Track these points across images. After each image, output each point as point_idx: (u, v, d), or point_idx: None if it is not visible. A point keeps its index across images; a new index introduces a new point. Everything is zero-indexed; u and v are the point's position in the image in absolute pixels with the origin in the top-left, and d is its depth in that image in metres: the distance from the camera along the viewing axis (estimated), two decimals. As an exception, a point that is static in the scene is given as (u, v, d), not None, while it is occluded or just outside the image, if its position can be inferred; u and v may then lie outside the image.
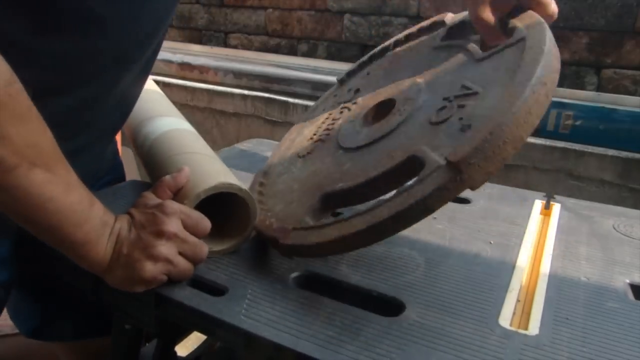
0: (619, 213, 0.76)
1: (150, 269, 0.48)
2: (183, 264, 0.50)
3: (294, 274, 0.54)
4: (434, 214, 0.71)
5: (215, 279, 0.53)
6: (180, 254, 0.50)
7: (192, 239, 0.50)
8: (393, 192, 0.47)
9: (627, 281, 0.56)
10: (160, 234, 0.48)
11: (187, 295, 0.50)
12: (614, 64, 1.32)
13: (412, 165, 0.49)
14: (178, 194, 0.55)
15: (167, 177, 0.55)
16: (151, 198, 0.53)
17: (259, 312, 0.47)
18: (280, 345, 0.43)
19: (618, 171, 1.23)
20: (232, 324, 0.46)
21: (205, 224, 0.52)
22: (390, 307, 0.50)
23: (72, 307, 0.74)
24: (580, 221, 0.73)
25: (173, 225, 0.49)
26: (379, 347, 0.43)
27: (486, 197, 0.80)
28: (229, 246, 0.57)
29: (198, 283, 0.53)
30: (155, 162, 0.64)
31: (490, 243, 0.64)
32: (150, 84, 0.81)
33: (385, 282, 0.54)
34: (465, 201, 0.78)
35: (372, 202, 0.48)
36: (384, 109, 0.64)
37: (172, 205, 0.51)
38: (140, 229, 0.49)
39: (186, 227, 0.50)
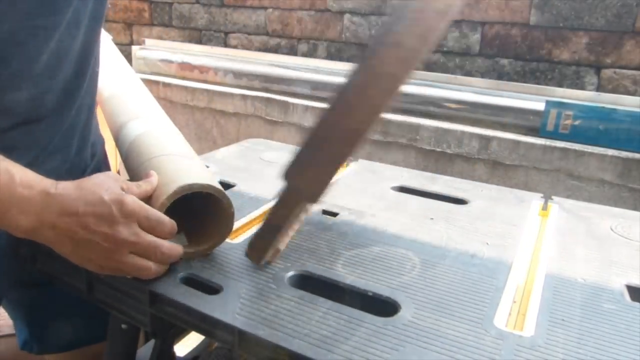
0: (616, 214, 0.76)
1: (97, 265, 0.49)
2: (132, 262, 0.49)
3: (289, 274, 0.54)
4: (431, 215, 0.72)
5: (209, 277, 0.53)
6: (134, 254, 0.49)
7: (145, 240, 0.49)
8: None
9: (624, 283, 0.56)
10: (111, 236, 0.48)
11: (181, 294, 0.50)
12: (614, 64, 1.32)
13: None
14: (149, 200, 0.54)
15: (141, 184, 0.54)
16: (113, 185, 0.51)
17: (253, 311, 0.47)
18: (275, 344, 0.43)
19: (618, 171, 1.23)
20: (226, 323, 0.46)
21: (163, 227, 0.51)
22: (385, 307, 0.50)
23: (61, 318, 0.74)
24: (578, 222, 0.73)
25: (126, 229, 0.48)
26: (373, 347, 0.43)
27: (483, 197, 0.80)
28: (212, 244, 0.57)
29: (193, 281, 0.53)
30: (130, 171, 0.63)
31: (487, 244, 0.64)
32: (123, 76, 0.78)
33: (381, 282, 0.54)
34: (462, 202, 0.78)
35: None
36: None
37: (133, 205, 0.49)
38: (91, 219, 0.48)
39: (143, 228, 0.49)
